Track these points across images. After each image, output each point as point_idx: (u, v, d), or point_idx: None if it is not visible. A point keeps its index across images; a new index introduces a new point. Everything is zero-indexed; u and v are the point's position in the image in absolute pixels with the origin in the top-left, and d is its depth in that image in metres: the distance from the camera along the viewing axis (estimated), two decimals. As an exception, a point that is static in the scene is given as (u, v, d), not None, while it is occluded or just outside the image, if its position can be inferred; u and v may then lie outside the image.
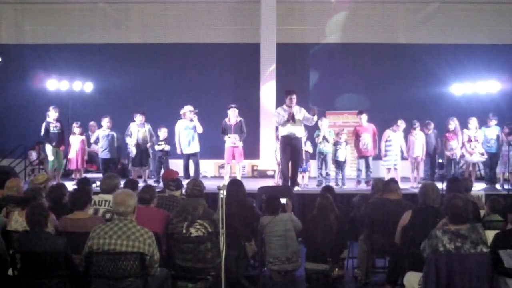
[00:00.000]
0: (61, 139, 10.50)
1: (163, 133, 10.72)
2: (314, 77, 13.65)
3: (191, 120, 10.30)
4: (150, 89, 13.27)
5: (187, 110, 10.36)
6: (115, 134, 10.65)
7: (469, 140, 10.26)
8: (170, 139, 10.72)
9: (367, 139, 10.20)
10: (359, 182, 10.39)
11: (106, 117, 10.64)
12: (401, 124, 10.17)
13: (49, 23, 13.82)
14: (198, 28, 13.47)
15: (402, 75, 13.28)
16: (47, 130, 10.31)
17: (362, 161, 10.38)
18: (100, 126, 10.90)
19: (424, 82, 13.00)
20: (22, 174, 11.43)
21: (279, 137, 9.74)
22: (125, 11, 13.98)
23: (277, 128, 11.11)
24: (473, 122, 10.27)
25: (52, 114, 10.36)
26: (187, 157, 10.41)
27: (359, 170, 10.49)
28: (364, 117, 10.33)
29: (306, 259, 5.84)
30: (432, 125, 10.71)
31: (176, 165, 10.53)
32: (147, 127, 10.48)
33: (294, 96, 9.45)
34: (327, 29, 13.42)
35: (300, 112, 9.49)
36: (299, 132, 9.53)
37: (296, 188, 9.40)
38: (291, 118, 9.38)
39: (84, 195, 5.06)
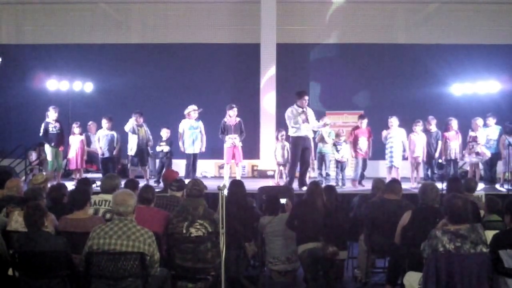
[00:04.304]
0: (61, 139, 10.47)
1: (165, 133, 10.77)
2: (314, 77, 13.65)
3: (197, 120, 10.32)
4: (150, 89, 13.28)
5: (192, 109, 10.38)
6: (115, 134, 10.67)
7: (469, 141, 10.26)
8: (171, 140, 10.76)
9: (362, 142, 10.33)
10: (354, 181, 10.43)
11: (105, 117, 10.65)
12: (392, 120, 10.21)
13: (49, 23, 13.81)
14: (198, 28, 13.47)
15: (402, 75, 13.28)
16: (46, 130, 10.30)
17: (360, 160, 10.46)
18: (99, 126, 10.91)
19: (424, 82, 13.00)
20: (22, 174, 11.42)
21: (292, 138, 9.73)
22: (125, 11, 13.98)
23: (277, 128, 11.16)
24: (478, 122, 10.25)
25: (52, 114, 10.35)
26: (190, 157, 10.42)
27: (356, 168, 10.53)
28: (365, 122, 10.44)
29: (297, 245, 5.78)
30: (435, 121, 10.56)
31: (177, 165, 10.54)
32: (145, 127, 10.50)
33: (307, 98, 9.73)
34: (327, 29, 13.43)
35: (310, 114, 9.69)
36: (310, 133, 9.77)
37: (304, 188, 9.45)
38: (306, 120, 9.54)
39: (83, 195, 5.06)
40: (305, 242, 5.68)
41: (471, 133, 10.30)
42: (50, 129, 10.31)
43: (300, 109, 9.53)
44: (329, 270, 5.64)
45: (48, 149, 10.36)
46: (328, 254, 5.54)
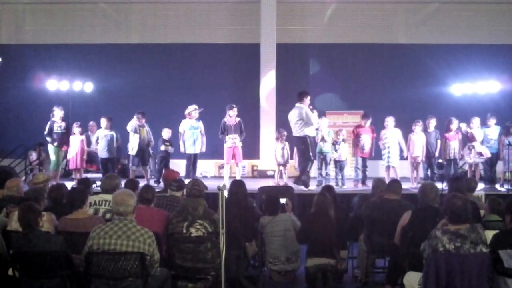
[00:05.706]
0: (65, 139, 10.41)
1: (166, 133, 10.76)
2: (314, 77, 13.66)
3: (197, 120, 10.32)
4: (150, 89, 13.28)
5: (192, 109, 10.38)
6: (114, 134, 10.66)
7: (466, 135, 10.27)
8: (173, 140, 10.76)
9: (365, 141, 10.31)
10: (357, 182, 10.42)
11: (104, 117, 10.65)
12: (388, 119, 10.23)
13: (49, 23, 13.82)
14: (198, 28, 13.48)
15: (402, 75, 13.29)
16: (51, 129, 10.24)
17: (360, 160, 10.46)
18: (99, 126, 10.91)
19: (424, 82, 13.01)
20: (22, 174, 11.42)
21: (308, 137, 9.48)
22: (125, 11, 13.98)
23: (277, 128, 11.16)
24: (475, 121, 10.25)
25: (58, 113, 10.31)
26: (191, 157, 10.42)
27: (357, 168, 10.52)
28: (369, 122, 10.45)
29: (307, 256, 5.79)
30: (434, 120, 10.51)
31: (177, 165, 10.54)
32: (147, 128, 10.50)
33: (309, 97, 9.66)
34: (327, 29, 13.44)
35: None
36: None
37: (311, 187, 9.45)
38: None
39: (80, 194, 5.06)
40: (316, 255, 5.64)
41: (469, 130, 10.28)
42: (55, 128, 10.26)
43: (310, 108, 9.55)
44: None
45: (51, 148, 10.33)
46: (340, 270, 5.62)
